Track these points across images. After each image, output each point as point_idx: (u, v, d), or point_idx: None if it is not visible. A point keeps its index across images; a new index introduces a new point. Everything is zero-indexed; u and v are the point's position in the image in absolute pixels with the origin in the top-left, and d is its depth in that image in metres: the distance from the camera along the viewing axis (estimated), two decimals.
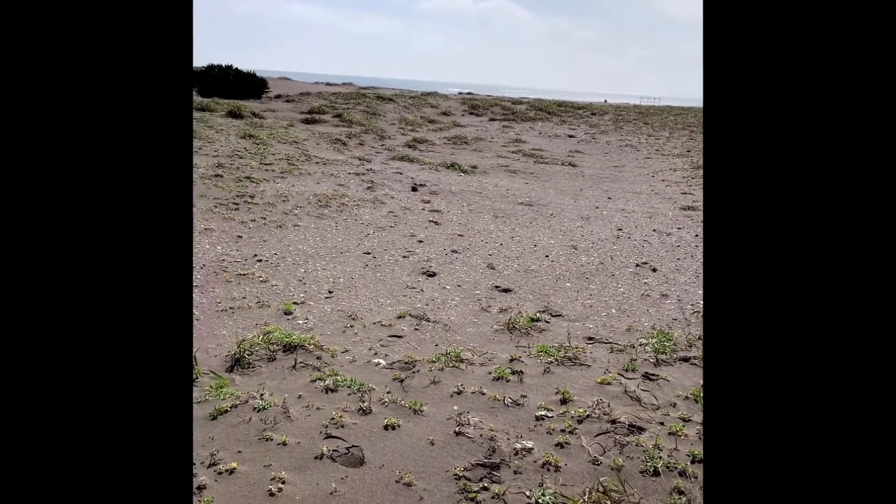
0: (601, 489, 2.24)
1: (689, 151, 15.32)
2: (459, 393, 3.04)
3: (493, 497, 2.25)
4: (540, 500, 2.20)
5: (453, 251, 6.04)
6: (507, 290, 5.00)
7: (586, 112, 21.99)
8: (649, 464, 2.45)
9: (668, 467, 2.44)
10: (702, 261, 5.85)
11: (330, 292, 4.70)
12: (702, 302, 4.82)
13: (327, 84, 33.77)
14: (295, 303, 4.40)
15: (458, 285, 5.07)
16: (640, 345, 3.77)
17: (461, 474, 2.37)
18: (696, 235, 7.06)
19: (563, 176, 11.34)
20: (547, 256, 6.01)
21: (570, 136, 17.01)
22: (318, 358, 3.43)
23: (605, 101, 31.68)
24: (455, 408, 2.90)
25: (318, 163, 10.08)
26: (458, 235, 6.66)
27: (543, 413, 2.84)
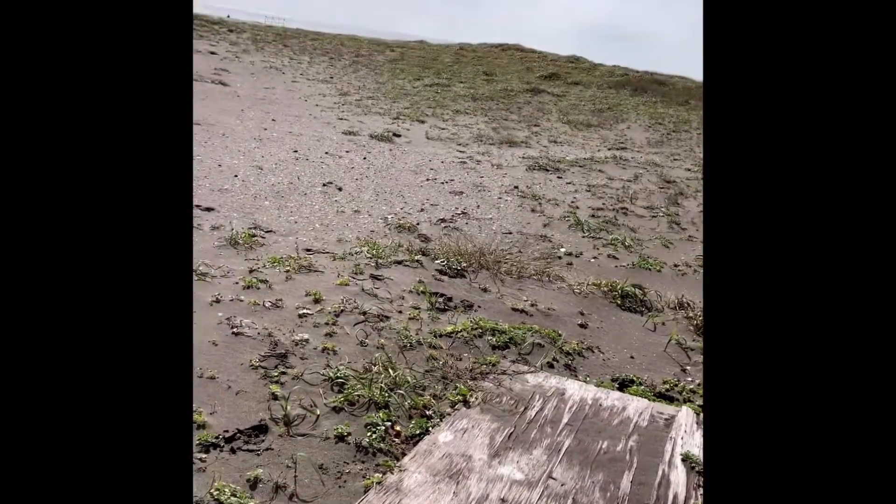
0: (381, 363, 2.76)
1: (331, 78, 16.02)
2: (218, 301, 3.24)
3: (293, 378, 2.61)
4: (334, 376, 2.63)
5: None
6: (209, 209, 5.09)
7: (223, 28, 21.29)
8: (405, 341, 3.03)
9: (419, 342, 3.05)
10: (376, 181, 6.58)
11: None
12: (390, 216, 5.53)
13: None
14: None
15: None
16: (356, 253, 4.31)
17: (257, 365, 2.67)
18: (365, 158, 7.77)
19: (217, 95, 11.15)
20: (236, 176, 6.14)
21: (213, 53, 16.46)
22: None
23: (228, 16, 30.46)
24: (220, 314, 3.11)
25: None
26: None
27: (304, 311, 3.23)
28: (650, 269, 4.81)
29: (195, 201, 5.18)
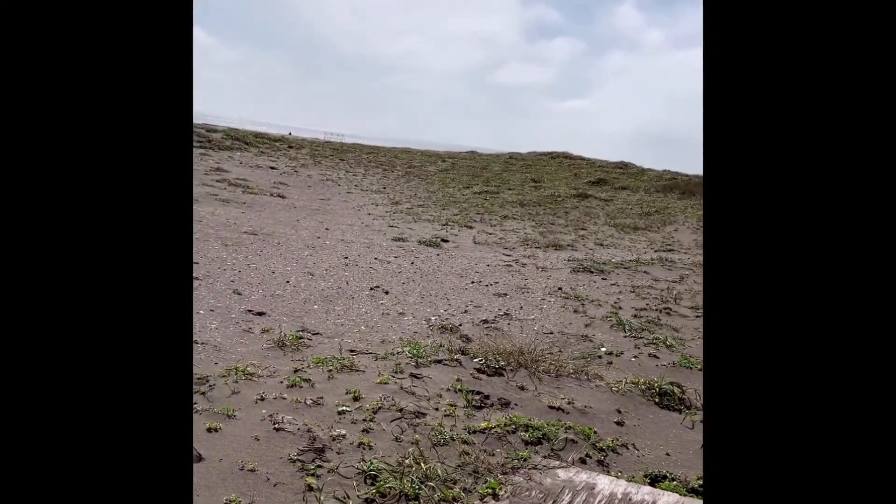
0: (413, 457, 2.84)
1: (384, 188, 16.69)
2: (262, 399, 3.41)
3: (329, 472, 2.72)
4: (368, 469, 2.73)
5: (194, 278, 6.17)
6: (261, 314, 5.35)
7: (283, 145, 22.51)
8: (439, 437, 3.11)
9: (452, 438, 3.12)
10: (422, 284, 6.76)
11: None
12: (433, 317, 5.69)
13: None
14: None
15: (211, 310, 5.28)
16: (397, 353, 4.45)
17: (295, 458, 2.79)
18: (412, 263, 8.04)
19: (275, 207, 11.74)
20: (288, 282, 6.44)
21: (272, 168, 17.37)
22: None
23: (290, 133, 32.09)
24: (264, 411, 3.27)
25: None
26: (194, 263, 6.76)
27: (343, 408, 3.36)
28: (691, 368, 4.80)
29: (248, 306, 5.46)
